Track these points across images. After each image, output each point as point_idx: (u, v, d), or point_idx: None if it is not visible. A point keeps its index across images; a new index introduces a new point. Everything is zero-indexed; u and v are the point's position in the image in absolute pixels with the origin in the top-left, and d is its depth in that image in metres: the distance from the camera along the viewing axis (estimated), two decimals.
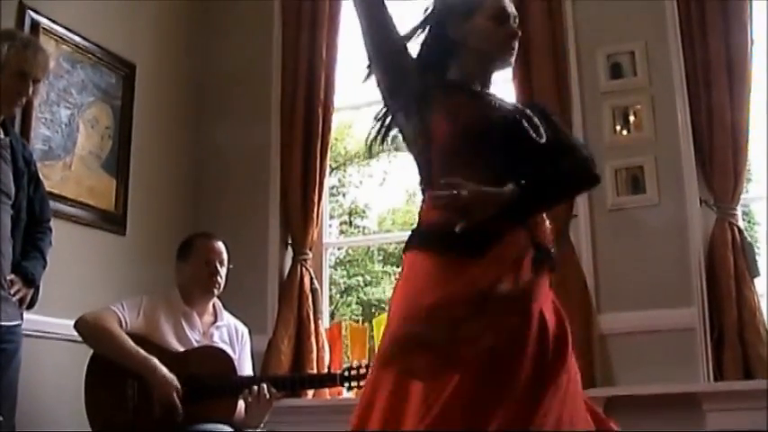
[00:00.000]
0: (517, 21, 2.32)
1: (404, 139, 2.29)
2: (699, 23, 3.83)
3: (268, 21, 4.71)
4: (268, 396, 3.26)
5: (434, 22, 2.32)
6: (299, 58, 4.53)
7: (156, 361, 3.18)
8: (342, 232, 14.00)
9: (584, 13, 4.08)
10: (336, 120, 4.72)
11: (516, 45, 2.30)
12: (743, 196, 3.78)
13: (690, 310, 3.63)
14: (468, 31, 2.28)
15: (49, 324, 3.44)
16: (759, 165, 4.02)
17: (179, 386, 3.17)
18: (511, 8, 2.32)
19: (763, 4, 3.80)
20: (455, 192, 1.97)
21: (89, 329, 3.24)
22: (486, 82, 2.33)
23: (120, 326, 3.25)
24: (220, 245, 3.56)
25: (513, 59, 2.33)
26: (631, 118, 3.94)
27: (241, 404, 3.31)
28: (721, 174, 3.70)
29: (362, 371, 3.35)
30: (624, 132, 3.94)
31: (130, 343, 3.20)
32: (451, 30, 2.29)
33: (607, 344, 3.75)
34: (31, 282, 3.01)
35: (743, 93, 3.70)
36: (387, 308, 2.21)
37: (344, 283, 13.81)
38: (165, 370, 3.17)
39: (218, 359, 3.35)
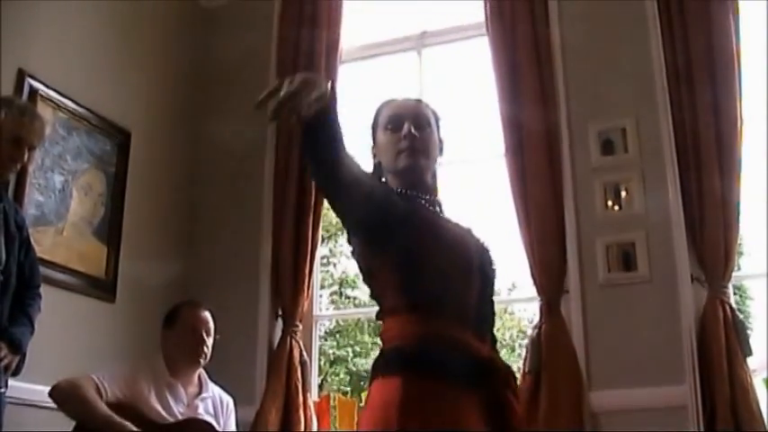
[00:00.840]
0: (416, 121, 2.21)
1: (362, 267, 2.13)
2: (689, 98, 3.88)
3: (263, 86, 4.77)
4: None
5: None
6: (294, 134, 4.56)
7: (132, 427, 3.11)
8: (332, 302, 13.95)
9: (576, 90, 4.14)
10: None
11: (412, 144, 2.17)
12: (735, 274, 3.78)
13: (682, 388, 3.59)
14: (377, 150, 2.25)
15: (34, 392, 3.38)
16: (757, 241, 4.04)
17: None
18: (406, 110, 2.24)
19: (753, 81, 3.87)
20: None
21: (63, 395, 3.14)
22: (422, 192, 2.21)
23: (99, 394, 3.16)
24: (207, 314, 3.53)
25: (414, 159, 2.18)
26: (623, 194, 3.96)
27: None
28: (712, 251, 3.70)
29: None
30: (616, 208, 3.96)
31: (105, 409, 3.11)
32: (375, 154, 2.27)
33: (598, 422, 3.71)
34: (17, 348, 2.97)
35: (733, 168, 3.74)
36: None
37: (333, 353, 13.71)
38: None
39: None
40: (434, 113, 2.32)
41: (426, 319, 1.98)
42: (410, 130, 2.18)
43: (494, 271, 2.18)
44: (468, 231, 2.22)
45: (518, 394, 2.09)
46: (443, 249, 2.06)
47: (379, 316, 2.10)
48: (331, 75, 4.62)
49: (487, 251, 2.19)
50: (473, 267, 2.10)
